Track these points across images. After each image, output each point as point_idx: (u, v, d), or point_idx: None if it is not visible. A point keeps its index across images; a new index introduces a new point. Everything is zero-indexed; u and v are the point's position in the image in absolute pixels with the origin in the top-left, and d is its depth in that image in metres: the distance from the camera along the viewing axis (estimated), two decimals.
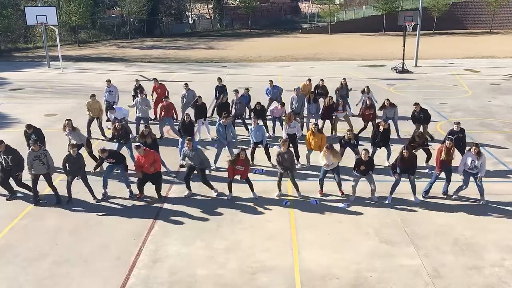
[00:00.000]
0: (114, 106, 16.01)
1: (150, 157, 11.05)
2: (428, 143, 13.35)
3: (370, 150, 12.96)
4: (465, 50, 36.70)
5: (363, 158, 10.94)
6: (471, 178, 11.04)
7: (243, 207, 10.98)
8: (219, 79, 17.92)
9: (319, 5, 54.24)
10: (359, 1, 58.12)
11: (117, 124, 13.10)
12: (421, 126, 14.45)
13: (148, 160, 11.01)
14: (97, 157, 12.60)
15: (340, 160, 11.53)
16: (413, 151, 11.65)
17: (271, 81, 18.00)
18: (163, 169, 12.75)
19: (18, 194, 11.61)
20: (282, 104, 15.38)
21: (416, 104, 14.71)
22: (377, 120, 14.51)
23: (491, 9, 49.20)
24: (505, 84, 24.27)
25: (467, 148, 11.45)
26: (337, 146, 12.43)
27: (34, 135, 12.70)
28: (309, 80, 18.35)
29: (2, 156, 11.12)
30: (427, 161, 13.11)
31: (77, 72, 29.62)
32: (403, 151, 10.89)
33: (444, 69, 28.86)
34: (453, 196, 11.28)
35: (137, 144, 11.43)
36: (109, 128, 16.44)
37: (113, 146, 13.23)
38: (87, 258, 8.98)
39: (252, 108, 15.76)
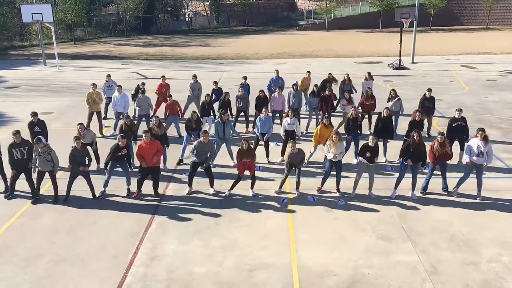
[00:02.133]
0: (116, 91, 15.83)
1: (154, 146, 11.05)
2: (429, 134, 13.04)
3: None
4: (461, 46, 36.74)
5: (370, 144, 10.85)
6: (473, 170, 10.93)
7: (241, 204, 10.97)
8: (215, 82, 17.58)
9: (315, 2, 54.04)
10: None
11: (126, 120, 12.92)
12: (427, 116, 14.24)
13: (152, 149, 11.00)
14: (98, 154, 12.68)
15: (344, 149, 11.50)
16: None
17: (277, 70, 18.09)
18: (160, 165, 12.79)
19: (15, 193, 11.55)
20: (280, 88, 15.49)
21: (429, 90, 14.73)
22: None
23: (487, 5, 49.24)
24: (501, 80, 24.32)
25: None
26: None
27: (38, 127, 12.70)
28: (309, 72, 18.37)
29: (17, 149, 10.94)
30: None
31: (73, 70, 29.52)
32: (414, 135, 10.77)
33: (441, 66, 28.89)
34: (455, 194, 11.19)
35: (146, 129, 11.45)
36: (106, 126, 16.42)
37: (108, 143, 13.20)
38: (84, 257, 8.96)
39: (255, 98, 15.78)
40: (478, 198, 11.02)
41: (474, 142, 10.81)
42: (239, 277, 8.33)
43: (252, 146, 11.21)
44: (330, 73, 18.19)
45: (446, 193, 11.31)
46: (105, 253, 9.07)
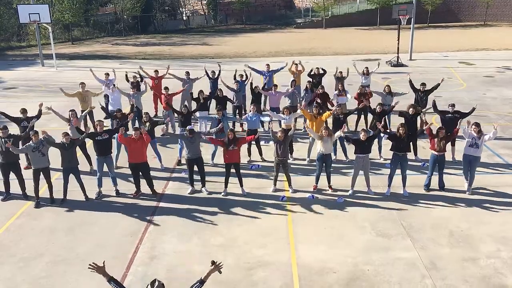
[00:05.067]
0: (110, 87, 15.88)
1: (141, 140, 11.05)
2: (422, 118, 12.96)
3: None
4: (459, 43, 36.74)
5: (362, 139, 10.92)
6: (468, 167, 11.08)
7: (239, 203, 10.98)
8: (213, 72, 17.81)
9: (313, 0, 54.04)
10: None
11: (117, 113, 13.00)
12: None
13: (140, 142, 11.02)
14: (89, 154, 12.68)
15: (335, 137, 11.57)
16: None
17: (268, 65, 18.34)
18: (158, 165, 12.77)
19: (14, 194, 11.51)
20: (275, 86, 15.55)
21: (423, 84, 14.99)
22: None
23: (485, 1, 49.24)
24: (499, 77, 24.33)
25: (463, 127, 11.31)
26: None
27: (26, 122, 12.65)
28: (295, 63, 18.48)
29: (1, 139, 10.88)
30: (415, 153, 13.10)
31: (71, 70, 29.49)
32: (399, 128, 10.95)
33: (439, 62, 28.90)
34: (468, 192, 11.20)
35: (136, 126, 11.54)
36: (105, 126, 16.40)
37: None
38: (84, 257, 8.96)
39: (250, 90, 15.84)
40: (467, 193, 11.11)
41: (470, 135, 11.01)
42: (239, 275, 8.33)
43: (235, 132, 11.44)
44: (317, 68, 18.24)
45: (442, 190, 11.32)
46: (104, 253, 9.06)
